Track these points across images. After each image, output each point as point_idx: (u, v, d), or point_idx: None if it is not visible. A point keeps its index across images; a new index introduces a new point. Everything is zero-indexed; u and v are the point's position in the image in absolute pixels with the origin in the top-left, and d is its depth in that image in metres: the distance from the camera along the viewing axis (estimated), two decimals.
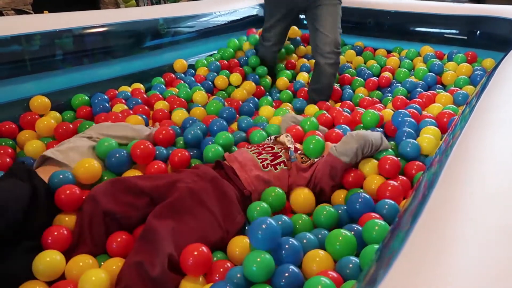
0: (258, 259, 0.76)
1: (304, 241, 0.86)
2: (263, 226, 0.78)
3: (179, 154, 1.19)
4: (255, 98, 1.80)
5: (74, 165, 1.05)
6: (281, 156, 1.13)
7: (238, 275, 0.77)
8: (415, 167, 1.13)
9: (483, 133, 0.79)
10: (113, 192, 0.94)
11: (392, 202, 0.96)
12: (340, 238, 0.82)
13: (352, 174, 1.10)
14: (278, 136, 1.25)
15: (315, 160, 1.16)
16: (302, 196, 1.02)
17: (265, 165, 1.10)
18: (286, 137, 1.23)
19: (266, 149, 1.17)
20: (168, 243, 0.81)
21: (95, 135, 1.21)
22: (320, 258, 0.80)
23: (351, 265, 0.78)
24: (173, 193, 0.95)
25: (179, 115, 1.51)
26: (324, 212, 0.96)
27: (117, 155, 1.12)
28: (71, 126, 1.35)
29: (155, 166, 1.14)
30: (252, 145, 1.22)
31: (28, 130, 1.39)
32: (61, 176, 0.98)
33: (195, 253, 0.78)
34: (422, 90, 1.70)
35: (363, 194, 0.98)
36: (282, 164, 1.11)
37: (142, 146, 1.14)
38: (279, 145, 1.18)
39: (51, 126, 1.36)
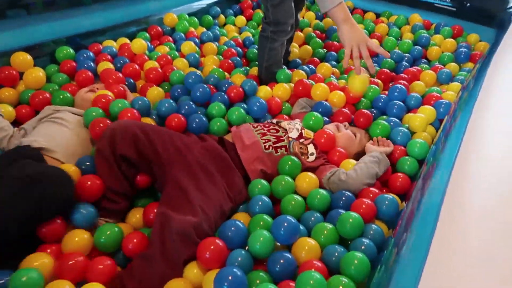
0: (261, 238, 0.85)
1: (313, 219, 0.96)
2: (285, 224, 0.87)
3: (176, 119, 1.21)
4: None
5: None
6: (284, 140, 1.15)
7: (239, 259, 0.83)
8: (398, 151, 1.20)
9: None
10: (131, 137, 0.99)
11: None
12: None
13: None
14: (280, 121, 1.23)
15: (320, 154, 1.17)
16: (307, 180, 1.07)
17: (267, 147, 1.12)
18: (288, 124, 1.21)
19: (270, 130, 1.17)
20: (196, 207, 0.89)
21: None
22: (309, 247, 0.87)
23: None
24: (182, 163, 1.00)
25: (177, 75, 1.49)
26: (318, 196, 1.01)
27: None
28: (47, 95, 1.30)
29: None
30: (258, 124, 1.22)
31: (8, 88, 1.33)
32: None
33: (212, 247, 0.83)
34: (407, 65, 1.74)
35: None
36: (283, 149, 1.13)
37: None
38: (283, 129, 1.19)
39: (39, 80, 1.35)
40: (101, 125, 1.11)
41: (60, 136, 1.08)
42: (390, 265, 0.63)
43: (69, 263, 0.82)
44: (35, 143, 1.03)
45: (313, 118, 1.26)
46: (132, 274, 0.82)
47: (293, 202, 0.99)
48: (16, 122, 1.25)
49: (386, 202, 0.99)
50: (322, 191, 1.02)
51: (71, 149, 1.07)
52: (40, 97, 1.28)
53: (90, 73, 1.42)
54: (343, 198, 1.01)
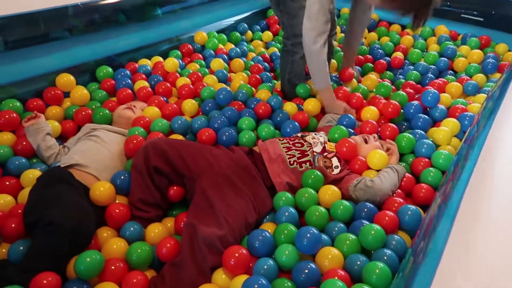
0: (287, 252, 0.91)
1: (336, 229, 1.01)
2: (308, 235, 0.92)
3: (207, 133, 1.30)
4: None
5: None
6: (308, 155, 1.19)
7: (265, 267, 0.89)
8: (422, 163, 1.22)
9: None
10: (161, 151, 1.08)
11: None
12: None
13: None
14: (305, 135, 1.28)
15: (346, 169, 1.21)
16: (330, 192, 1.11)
17: (292, 162, 1.17)
18: (313, 138, 1.25)
19: (296, 144, 1.22)
20: (221, 219, 0.96)
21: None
22: (333, 256, 0.92)
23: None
24: (210, 174, 1.07)
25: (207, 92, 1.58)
26: (341, 207, 1.05)
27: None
28: (89, 111, 1.41)
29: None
30: (284, 138, 1.28)
31: (55, 106, 1.46)
32: None
33: (236, 254, 0.90)
34: (433, 76, 1.75)
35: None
36: (307, 163, 1.18)
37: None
38: (308, 143, 1.23)
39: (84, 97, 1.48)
40: (134, 141, 1.21)
41: (93, 152, 1.20)
42: (405, 273, 0.66)
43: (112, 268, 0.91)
44: (72, 160, 1.15)
45: (338, 131, 1.31)
46: (164, 279, 0.90)
47: (317, 213, 1.03)
48: (62, 137, 1.38)
49: (409, 212, 1.02)
50: (345, 202, 1.06)
51: (103, 164, 1.18)
52: (83, 113, 1.40)
53: (129, 91, 1.53)
54: (365, 210, 1.05)
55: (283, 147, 1.21)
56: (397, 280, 0.72)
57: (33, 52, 1.54)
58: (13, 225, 0.99)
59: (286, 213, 1.04)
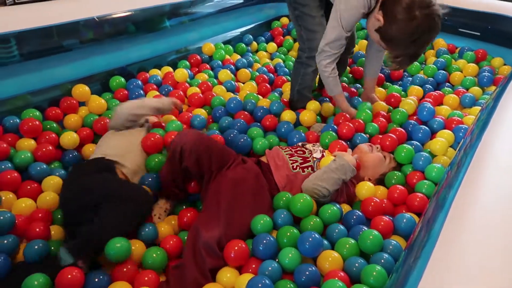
0: (290, 255, 0.98)
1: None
2: (310, 239, 0.99)
3: (152, 139, 1.35)
4: None
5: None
6: (309, 161, 1.28)
7: (270, 268, 0.96)
8: (416, 176, 1.28)
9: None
10: (196, 156, 1.16)
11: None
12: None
13: None
14: (305, 143, 1.39)
15: None
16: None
17: (295, 167, 1.26)
18: (313, 146, 1.36)
19: (297, 152, 1.32)
20: (225, 223, 1.05)
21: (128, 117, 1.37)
22: (333, 259, 0.99)
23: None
24: (224, 180, 1.15)
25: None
26: (329, 211, 1.13)
27: None
28: (107, 121, 1.49)
29: None
30: (286, 147, 1.38)
31: (72, 114, 1.54)
32: None
33: (236, 247, 0.99)
34: (431, 88, 1.83)
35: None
36: (309, 168, 1.26)
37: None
38: (309, 151, 1.33)
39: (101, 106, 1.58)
40: (152, 139, 1.33)
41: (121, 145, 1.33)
42: (399, 274, 0.74)
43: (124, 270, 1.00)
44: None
45: (329, 136, 1.41)
46: (168, 283, 0.99)
47: (312, 223, 1.10)
48: (80, 145, 1.46)
49: (404, 220, 1.10)
50: (333, 206, 1.16)
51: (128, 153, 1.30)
52: (102, 122, 1.48)
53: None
54: (355, 216, 1.14)
55: (286, 154, 1.30)
56: (390, 281, 0.79)
57: (48, 62, 1.62)
58: (37, 229, 1.08)
59: (282, 215, 1.11)
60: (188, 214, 1.18)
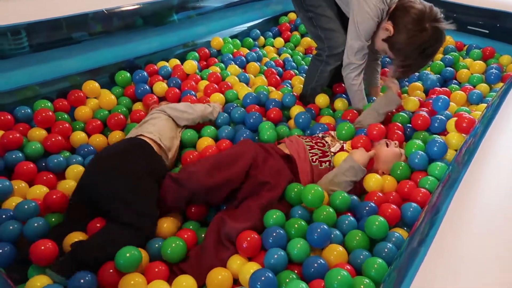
0: (298, 245, 1.00)
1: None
2: (318, 230, 1.01)
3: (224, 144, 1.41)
4: None
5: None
6: (328, 155, 1.29)
7: (275, 256, 0.97)
8: (420, 176, 1.27)
9: None
10: (210, 170, 1.12)
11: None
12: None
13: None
14: (325, 136, 1.38)
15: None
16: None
17: (314, 160, 1.26)
18: (331, 140, 1.35)
19: (318, 144, 1.31)
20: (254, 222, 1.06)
21: (170, 112, 1.41)
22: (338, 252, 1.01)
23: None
24: (253, 182, 1.13)
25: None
26: (340, 197, 1.14)
27: None
28: (121, 117, 1.52)
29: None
30: (307, 137, 1.36)
31: (83, 106, 1.56)
32: None
33: (248, 238, 1.01)
34: (438, 85, 1.82)
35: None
36: (327, 163, 1.27)
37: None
38: (328, 144, 1.32)
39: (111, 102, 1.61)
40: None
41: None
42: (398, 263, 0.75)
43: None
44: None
45: (345, 127, 1.39)
46: (188, 259, 1.02)
47: (324, 213, 1.10)
48: (88, 135, 1.48)
49: (411, 209, 1.13)
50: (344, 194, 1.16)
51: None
52: (116, 118, 1.51)
53: (155, 97, 1.65)
54: (367, 208, 1.15)
55: (307, 145, 1.30)
56: (389, 271, 0.81)
57: (55, 54, 1.64)
58: (54, 196, 1.12)
59: (299, 211, 1.12)
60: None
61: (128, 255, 0.95)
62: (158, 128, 1.30)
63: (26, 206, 1.09)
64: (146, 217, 1.06)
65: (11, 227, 1.05)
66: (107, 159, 1.15)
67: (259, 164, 1.17)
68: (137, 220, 1.03)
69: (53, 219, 1.11)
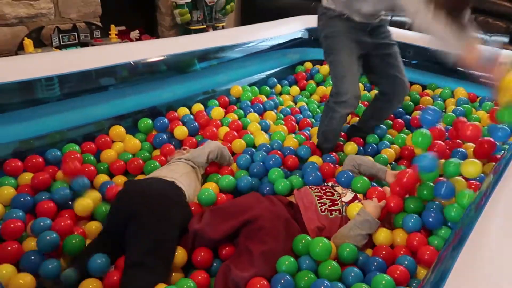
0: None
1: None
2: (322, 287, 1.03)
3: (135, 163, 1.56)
4: None
5: None
6: (338, 204, 1.30)
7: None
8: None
9: None
10: (214, 222, 1.19)
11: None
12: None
13: None
14: (335, 185, 1.40)
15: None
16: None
17: (323, 210, 1.28)
18: (342, 189, 1.36)
19: (327, 193, 1.33)
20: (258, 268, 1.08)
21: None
22: None
23: None
24: (256, 228, 1.16)
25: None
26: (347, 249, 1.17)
27: None
28: (140, 161, 1.61)
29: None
30: (316, 186, 1.39)
31: (108, 149, 1.65)
32: None
33: (258, 285, 1.03)
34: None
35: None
36: (337, 212, 1.28)
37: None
38: (338, 193, 1.34)
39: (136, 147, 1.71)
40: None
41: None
42: None
43: None
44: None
45: (360, 181, 1.42)
46: None
47: (329, 267, 1.13)
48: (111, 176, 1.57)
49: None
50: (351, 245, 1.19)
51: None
52: (135, 163, 1.60)
53: (172, 146, 1.72)
54: (375, 263, 1.16)
55: (315, 195, 1.32)
56: None
57: (84, 101, 1.75)
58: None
59: (307, 261, 1.14)
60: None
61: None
62: (188, 182, 1.38)
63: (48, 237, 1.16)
64: (165, 265, 1.12)
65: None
66: (153, 193, 1.22)
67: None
68: (154, 264, 1.09)
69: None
